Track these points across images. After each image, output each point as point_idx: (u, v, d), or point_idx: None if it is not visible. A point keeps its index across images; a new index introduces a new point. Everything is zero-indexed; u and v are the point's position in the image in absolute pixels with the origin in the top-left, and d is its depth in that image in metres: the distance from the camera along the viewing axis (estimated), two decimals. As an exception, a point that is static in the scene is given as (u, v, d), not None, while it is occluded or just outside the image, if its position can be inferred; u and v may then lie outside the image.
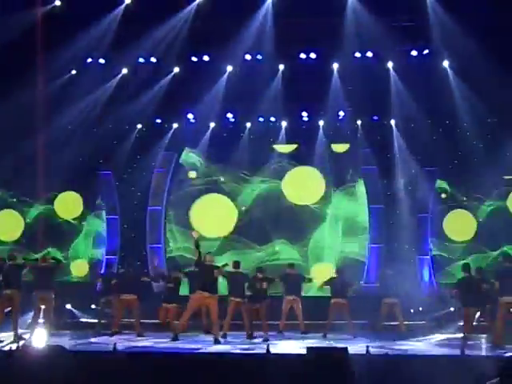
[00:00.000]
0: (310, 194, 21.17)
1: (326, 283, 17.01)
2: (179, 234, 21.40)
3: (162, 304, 16.32)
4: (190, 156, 21.59)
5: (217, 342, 14.25)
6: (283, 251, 20.96)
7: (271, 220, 21.07)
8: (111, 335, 15.68)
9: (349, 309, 16.41)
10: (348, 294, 16.58)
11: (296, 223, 20.99)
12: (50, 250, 20.68)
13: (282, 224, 20.99)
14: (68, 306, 17.63)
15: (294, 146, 21.29)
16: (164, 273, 17.92)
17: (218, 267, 14.76)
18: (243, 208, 14.32)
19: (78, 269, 20.69)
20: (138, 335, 15.68)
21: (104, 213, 21.26)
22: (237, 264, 15.98)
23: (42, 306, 14.90)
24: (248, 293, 15.81)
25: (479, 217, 20.18)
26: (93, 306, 17.25)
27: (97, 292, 17.41)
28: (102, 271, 19.42)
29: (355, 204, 21.21)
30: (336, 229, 21.12)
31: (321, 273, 19.45)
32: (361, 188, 21.04)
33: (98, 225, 21.39)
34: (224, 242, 20.97)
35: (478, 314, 14.52)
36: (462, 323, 14.66)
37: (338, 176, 21.19)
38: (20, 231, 20.78)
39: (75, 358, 10.75)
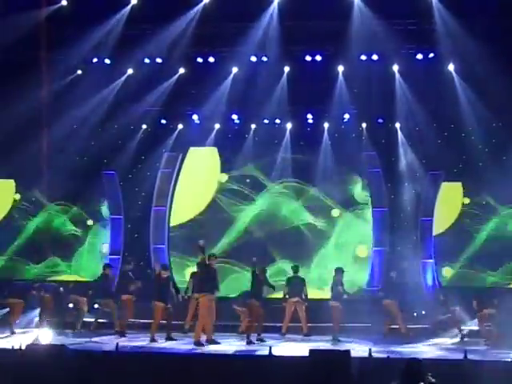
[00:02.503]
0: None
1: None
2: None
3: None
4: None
5: (215, 342, 14.32)
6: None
7: (273, 240, 21.03)
8: (121, 335, 15.74)
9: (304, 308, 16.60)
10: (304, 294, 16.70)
11: (300, 244, 20.93)
12: (53, 259, 20.91)
13: (286, 245, 20.90)
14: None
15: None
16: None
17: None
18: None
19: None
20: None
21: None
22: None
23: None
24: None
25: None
26: (95, 306, 17.22)
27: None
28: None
29: (364, 229, 21.04)
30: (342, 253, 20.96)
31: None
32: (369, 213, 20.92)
33: (104, 236, 21.44)
34: (224, 266, 20.38)
35: None
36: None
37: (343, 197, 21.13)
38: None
39: (77, 357, 10.77)
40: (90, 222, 21.57)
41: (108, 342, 14.46)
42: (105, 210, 21.48)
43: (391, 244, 20.24)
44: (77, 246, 21.50)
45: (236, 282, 20.28)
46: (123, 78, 19.95)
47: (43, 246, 21.38)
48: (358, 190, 21.20)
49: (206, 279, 14.73)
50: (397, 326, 16.68)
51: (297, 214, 21.29)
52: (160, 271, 15.69)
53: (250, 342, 14.76)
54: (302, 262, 19.40)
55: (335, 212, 21.12)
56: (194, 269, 17.46)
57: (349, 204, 21.18)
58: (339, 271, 16.72)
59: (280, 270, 20.30)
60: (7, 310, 16.66)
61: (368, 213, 20.90)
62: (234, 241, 21.19)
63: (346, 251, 20.88)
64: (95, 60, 19.92)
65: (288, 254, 20.56)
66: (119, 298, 16.50)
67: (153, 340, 14.77)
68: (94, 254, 21.41)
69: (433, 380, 6.92)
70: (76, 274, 21.15)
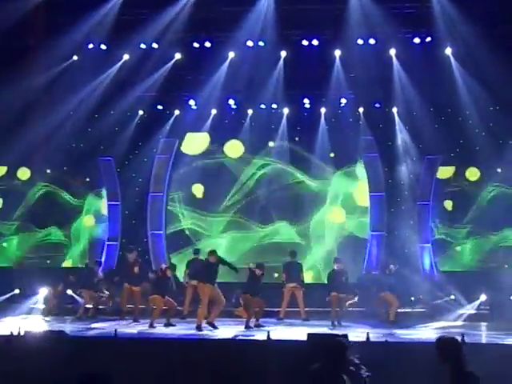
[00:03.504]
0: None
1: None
2: (186, 212, 21.55)
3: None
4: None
5: (198, 329, 14.37)
6: (284, 231, 21.07)
7: (273, 201, 21.19)
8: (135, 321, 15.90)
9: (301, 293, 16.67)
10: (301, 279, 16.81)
11: (297, 204, 21.10)
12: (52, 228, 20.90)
13: (284, 205, 21.09)
14: (69, 292, 17.67)
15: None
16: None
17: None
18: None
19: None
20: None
21: (104, 192, 21.29)
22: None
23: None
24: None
25: (481, 202, 20.12)
26: (101, 293, 17.31)
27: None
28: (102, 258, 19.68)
29: (354, 183, 21.21)
30: (336, 207, 21.16)
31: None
32: (360, 169, 21.01)
33: (98, 204, 21.45)
34: (229, 221, 21.22)
35: None
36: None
37: (338, 158, 21.16)
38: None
39: (76, 342, 10.80)
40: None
41: (108, 328, 14.48)
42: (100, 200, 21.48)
43: (389, 228, 20.27)
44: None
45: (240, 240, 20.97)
46: (119, 64, 19.85)
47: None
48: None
49: (206, 269, 14.85)
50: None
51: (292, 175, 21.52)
52: (166, 269, 16.05)
53: (248, 327, 14.80)
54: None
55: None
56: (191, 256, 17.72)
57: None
58: (339, 261, 16.74)
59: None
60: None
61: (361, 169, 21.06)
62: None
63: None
64: (91, 46, 19.84)
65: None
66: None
67: (151, 326, 14.82)
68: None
69: (357, 361, 6.90)
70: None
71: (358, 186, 21.16)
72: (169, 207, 21.46)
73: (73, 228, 21.28)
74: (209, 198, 21.40)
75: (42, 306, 17.27)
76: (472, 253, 20.20)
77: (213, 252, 15.18)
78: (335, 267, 16.57)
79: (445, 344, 6.61)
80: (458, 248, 20.31)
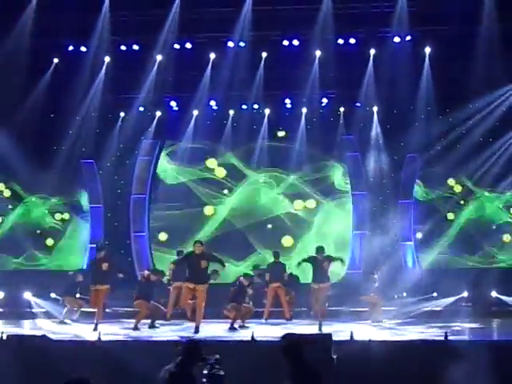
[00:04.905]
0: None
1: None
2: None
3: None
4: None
5: (197, 331, 14.18)
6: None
7: (252, 230, 21.10)
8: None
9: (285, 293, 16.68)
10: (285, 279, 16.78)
11: (281, 233, 21.03)
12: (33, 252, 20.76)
13: (265, 234, 21.02)
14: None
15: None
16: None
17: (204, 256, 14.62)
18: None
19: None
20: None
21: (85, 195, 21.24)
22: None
23: None
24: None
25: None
26: (77, 295, 17.14)
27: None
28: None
29: (345, 219, 21.10)
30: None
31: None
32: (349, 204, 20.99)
33: (84, 227, 21.36)
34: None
35: None
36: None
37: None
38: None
39: (59, 346, 10.76)
40: (66, 216, 21.37)
41: (91, 330, 14.41)
42: (84, 200, 21.38)
43: (371, 227, 20.33)
44: (57, 239, 21.36)
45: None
46: (100, 66, 19.74)
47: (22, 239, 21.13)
48: (339, 178, 21.29)
49: (197, 269, 14.33)
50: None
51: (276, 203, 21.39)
52: (149, 275, 15.74)
53: (232, 328, 14.79)
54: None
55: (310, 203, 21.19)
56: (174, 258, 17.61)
57: (328, 192, 21.29)
58: (321, 251, 15.93)
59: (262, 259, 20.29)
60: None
61: (348, 202, 20.96)
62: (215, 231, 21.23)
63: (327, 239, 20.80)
64: (71, 48, 19.76)
65: (268, 244, 20.58)
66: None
67: (136, 328, 14.76)
68: (75, 246, 21.30)
69: (213, 361, 6.96)
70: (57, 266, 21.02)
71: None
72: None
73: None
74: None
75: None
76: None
77: (200, 242, 14.82)
78: (318, 256, 15.87)
79: (288, 342, 6.70)
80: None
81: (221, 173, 21.67)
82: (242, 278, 15.73)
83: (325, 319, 15.15)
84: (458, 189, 20.65)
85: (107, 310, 16.56)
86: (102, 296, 15.38)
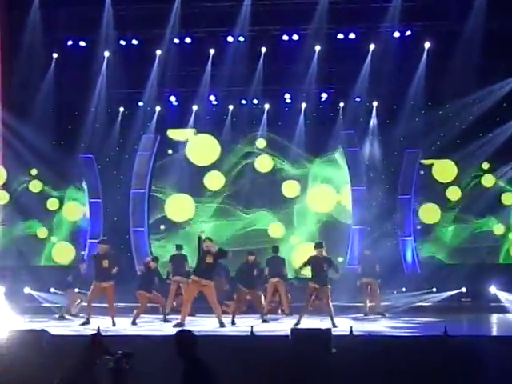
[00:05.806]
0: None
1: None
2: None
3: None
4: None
5: (222, 325, 14.09)
6: (266, 218, 21.20)
7: (256, 189, 21.27)
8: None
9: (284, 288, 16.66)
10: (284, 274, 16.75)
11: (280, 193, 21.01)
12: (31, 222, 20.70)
13: (267, 193, 21.20)
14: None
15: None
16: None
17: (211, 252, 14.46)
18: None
19: (62, 255, 20.55)
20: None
21: (84, 184, 21.17)
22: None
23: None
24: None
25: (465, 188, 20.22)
26: (76, 290, 17.11)
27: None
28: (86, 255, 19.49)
29: (334, 170, 21.30)
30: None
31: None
32: (339, 156, 21.12)
33: (80, 197, 21.29)
34: (217, 207, 21.44)
35: None
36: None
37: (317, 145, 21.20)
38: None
39: (58, 341, 10.75)
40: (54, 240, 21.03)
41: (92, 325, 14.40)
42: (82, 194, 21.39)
43: (370, 222, 20.32)
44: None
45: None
46: (99, 61, 19.71)
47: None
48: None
49: (207, 265, 14.32)
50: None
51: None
52: (150, 262, 15.72)
53: (232, 323, 14.79)
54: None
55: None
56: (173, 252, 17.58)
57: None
58: (320, 246, 15.15)
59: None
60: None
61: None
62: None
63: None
64: (70, 43, 19.73)
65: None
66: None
67: (134, 323, 14.75)
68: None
69: (126, 351, 6.85)
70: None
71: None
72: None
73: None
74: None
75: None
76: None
77: (210, 239, 14.73)
78: (315, 253, 15.12)
79: (181, 338, 6.59)
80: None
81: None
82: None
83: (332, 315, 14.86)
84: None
85: (105, 305, 16.50)
86: (109, 292, 15.21)
